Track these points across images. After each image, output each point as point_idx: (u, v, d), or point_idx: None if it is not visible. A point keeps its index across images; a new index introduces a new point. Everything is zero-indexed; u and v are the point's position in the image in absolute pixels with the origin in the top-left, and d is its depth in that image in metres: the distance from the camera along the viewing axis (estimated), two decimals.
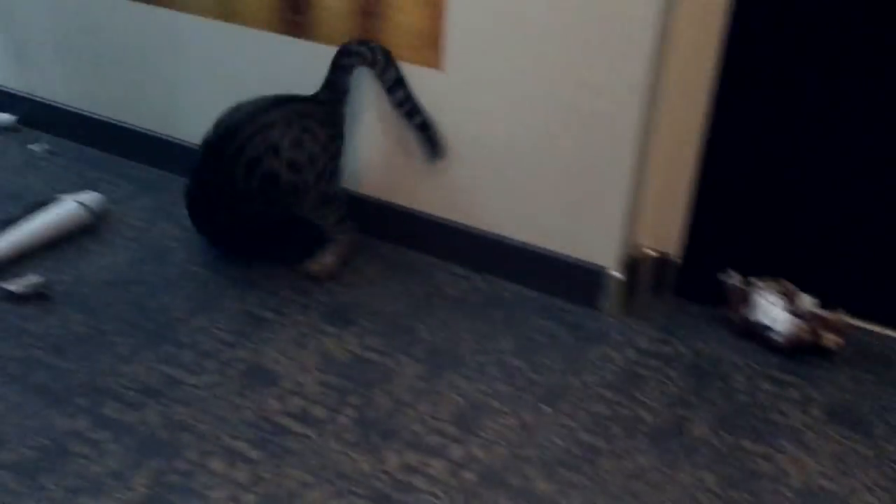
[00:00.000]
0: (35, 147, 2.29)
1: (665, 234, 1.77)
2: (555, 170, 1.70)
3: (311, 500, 1.26)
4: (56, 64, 2.30)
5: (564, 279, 1.77)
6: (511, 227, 1.81)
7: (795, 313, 1.61)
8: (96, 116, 2.27)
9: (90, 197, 1.95)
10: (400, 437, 1.39)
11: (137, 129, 2.22)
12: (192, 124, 2.13)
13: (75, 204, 1.90)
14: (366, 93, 1.83)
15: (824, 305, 1.64)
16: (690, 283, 1.78)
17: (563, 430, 1.43)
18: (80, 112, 2.30)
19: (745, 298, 1.66)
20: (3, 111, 2.40)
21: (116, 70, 2.19)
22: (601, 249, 1.72)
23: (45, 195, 1.98)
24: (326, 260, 1.79)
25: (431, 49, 1.73)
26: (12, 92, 2.40)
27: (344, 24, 1.81)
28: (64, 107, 2.33)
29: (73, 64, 2.26)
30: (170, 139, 2.18)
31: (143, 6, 2.05)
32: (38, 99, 2.37)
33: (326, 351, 1.59)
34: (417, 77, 1.76)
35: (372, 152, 1.91)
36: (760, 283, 1.67)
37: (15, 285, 1.66)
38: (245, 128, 1.67)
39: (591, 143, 1.64)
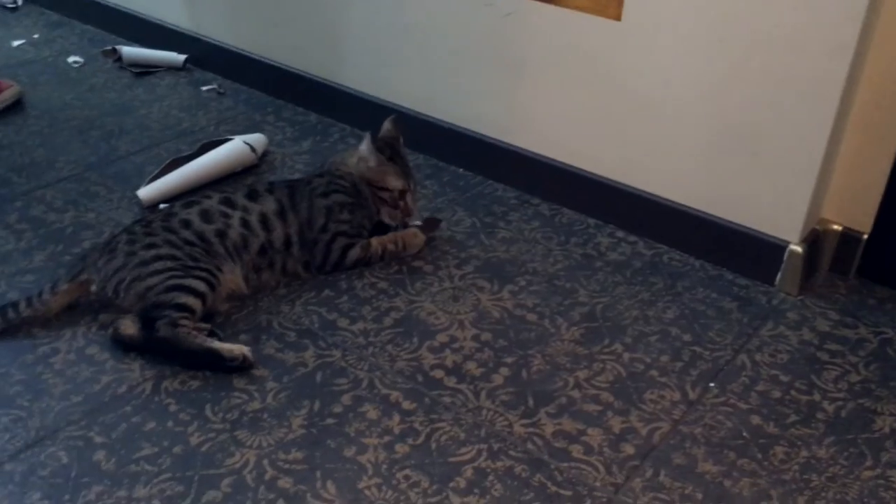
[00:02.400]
0: (204, 88, 2.35)
1: (854, 207, 1.62)
2: (737, 133, 1.58)
3: (463, 458, 1.24)
4: (227, 6, 2.34)
5: (736, 249, 1.66)
6: (681, 191, 1.70)
7: None
8: (264, 60, 2.30)
9: (255, 137, 1.98)
10: (556, 402, 1.34)
11: (303, 73, 2.23)
12: (355, 72, 2.13)
13: (242, 143, 1.93)
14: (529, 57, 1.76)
15: None
16: (879, 263, 1.63)
17: (731, 411, 1.34)
18: (248, 55, 2.34)
19: None
20: (175, 51, 2.47)
21: (285, 15, 2.20)
22: (780, 219, 1.59)
23: (214, 134, 2.03)
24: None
25: None
26: (184, 32, 2.47)
27: None
28: (233, 49, 2.37)
29: (243, 7, 2.29)
30: (333, 85, 2.18)
31: None
32: (207, 40, 2.42)
33: (482, 307, 1.55)
34: (592, 28, 1.67)
35: (530, 103, 1.84)
36: None
37: None
38: None
39: (783, 106, 1.50)
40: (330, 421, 1.29)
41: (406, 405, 1.32)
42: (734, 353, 1.46)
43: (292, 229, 1.57)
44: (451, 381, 1.37)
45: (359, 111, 2.14)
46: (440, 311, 1.53)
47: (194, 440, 1.24)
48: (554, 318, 1.53)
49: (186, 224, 1.50)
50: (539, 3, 1.73)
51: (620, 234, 1.78)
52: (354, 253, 1.60)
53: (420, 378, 1.38)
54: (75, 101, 2.26)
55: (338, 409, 1.31)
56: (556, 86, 1.79)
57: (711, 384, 1.39)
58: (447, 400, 1.34)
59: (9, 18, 2.80)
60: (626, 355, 1.45)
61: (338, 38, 2.12)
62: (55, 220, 1.74)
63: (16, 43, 2.60)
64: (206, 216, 1.52)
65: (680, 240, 1.73)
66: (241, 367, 1.34)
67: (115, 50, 2.48)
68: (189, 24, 2.46)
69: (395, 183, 1.65)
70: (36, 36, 2.67)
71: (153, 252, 1.44)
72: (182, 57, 2.46)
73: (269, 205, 1.57)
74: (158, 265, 1.41)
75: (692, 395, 1.36)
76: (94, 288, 1.44)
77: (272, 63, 2.29)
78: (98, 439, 1.24)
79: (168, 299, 1.36)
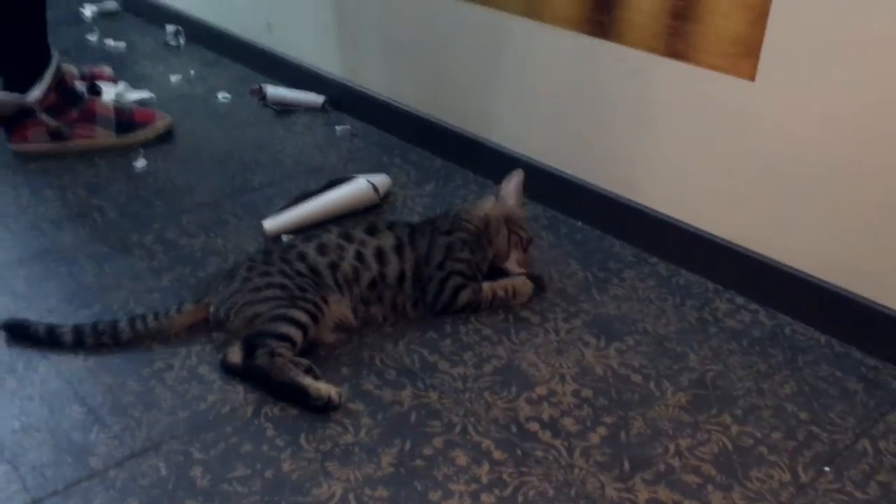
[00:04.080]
0: (338, 128, 2.44)
1: None
2: (870, 201, 1.49)
3: None
4: (370, 51, 2.43)
5: (867, 326, 1.55)
6: (810, 261, 1.61)
7: None
8: (396, 104, 2.37)
9: (380, 178, 2.04)
10: (654, 468, 1.28)
11: (433, 120, 2.28)
12: (482, 120, 2.16)
13: (366, 183, 1.98)
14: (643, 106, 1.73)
15: None
16: None
17: (846, 500, 1.24)
18: (381, 99, 2.41)
19: None
20: (315, 91, 2.58)
21: (423, 63, 2.27)
22: None
23: (341, 173, 2.10)
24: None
25: (746, 57, 1.59)
26: (325, 75, 2.58)
27: (653, 25, 1.72)
28: (368, 93, 2.46)
29: (386, 53, 2.38)
30: (459, 132, 2.21)
31: (457, 2, 2.09)
32: (347, 83, 2.52)
33: (586, 363, 1.51)
34: (724, 87, 1.63)
35: (656, 161, 1.81)
36: None
37: None
38: None
39: None
40: (419, 462, 1.28)
41: (497, 455, 1.30)
42: (855, 438, 1.35)
43: (407, 265, 1.59)
44: (545, 436, 1.34)
45: (482, 158, 2.16)
46: (542, 363, 1.51)
47: (286, 466, 1.26)
48: (660, 381, 1.47)
49: (302, 256, 1.55)
50: (669, 60, 1.71)
51: (741, 300, 1.71)
52: (466, 295, 1.61)
53: (514, 429, 1.35)
54: (219, 135, 2.40)
55: (428, 450, 1.31)
56: (684, 145, 1.75)
57: (826, 468, 1.29)
58: (539, 454, 1.31)
59: (171, 56, 3.02)
60: (735, 428, 1.37)
61: (467, 88, 2.16)
62: (186, 244, 1.83)
63: (174, 78, 2.79)
64: (322, 249, 1.57)
65: (805, 312, 1.64)
66: (325, 407, 1.35)
67: (260, 89, 2.62)
68: (330, 67, 2.57)
69: (527, 227, 1.67)
70: (192, 72, 2.86)
71: (266, 280, 1.49)
72: (321, 98, 2.57)
73: (387, 240, 1.60)
74: (269, 293, 1.46)
75: (804, 478, 1.27)
76: (212, 310, 1.51)
77: (404, 108, 2.35)
78: (197, 455, 1.28)
79: (271, 329, 1.41)
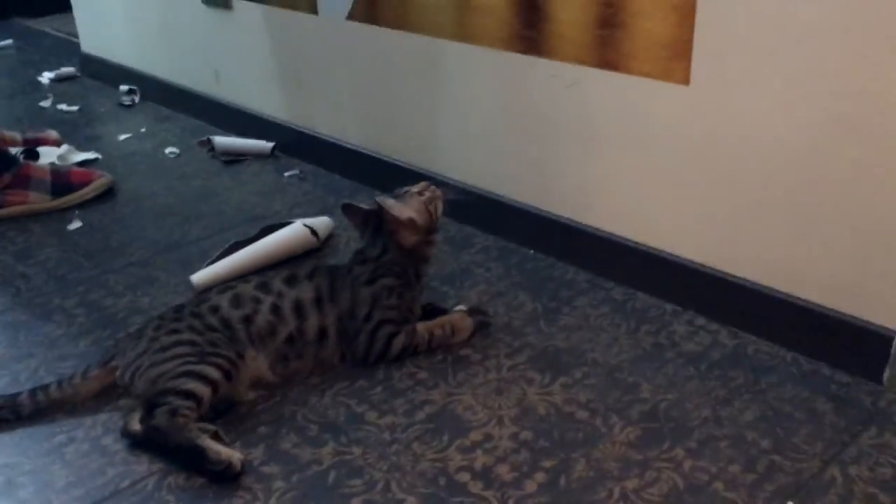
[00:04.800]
0: (286, 174, 2.35)
1: None
2: (826, 207, 1.37)
3: None
4: (314, 93, 2.35)
5: (836, 341, 1.42)
6: (771, 273, 1.49)
7: None
8: (344, 144, 2.28)
9: (319, 221, 1.93)
10: None
11: (379, 156, 2.19)
12: (427, 153, 2.06)
13: (302, 227, 1.88)
14: (605, 127, 1.62)
15: None
16: None
17: None
18: (330, 140, 2.32)
19: None
20: (263, 138, 2.50)
21: (365, 98, 2.18)
22: (888, 307, 1.35)
23: (285, 217, 2.00)
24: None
25: (677, 60, 1.48)
26: (273, 120, 2.50)
27: (582, 36, 1.61)
28: (316, 135, 2.37)
29: (329, 93, 2.30)
30: (405, 166, 2.11)
31: (391, 33, 2.01)
32: (294, 127, 2.44)
33: (528, 402, 1.38)
34: (658, 93, 1.52)
35: (603, 178, 1.69)
36: None
37: None
38: None
39: (879, 176, 1.29)
40: None
41: None
42: (823, 465, 1.21)
43: (329, 320, 1.47)
44: (476, 486, 1.21)
45: None
46: (479, 406, 1.38)
47: None
48: (608, 416, 1.34)
49: (215, 309, 1.44)
50: (601, 72, 1.60)
51: (700, 321, 1.58)
52: (400, 341, 1.48)
53: (442, 481, 1.22)
54: (162, 190, 2.31)
55: None
56: (628, 159, 1.64)
57: (790, 502, 1.15)
58: None
59: (124, 115, 2.95)
60: (688, 463, 1.23)
61: (408, 119, 2.07)
62: (110, 305, 1.73)
63: (122, 137, 2.72)
64: (236, 301, 1.46)
65: (769, 329, 1.50)
66: (224, 473, 1.23)
67: (208, 140, 2.54)
68: (278, 113, 2.49)
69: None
70: (143, 129, 2.78)
71: (174, 338, 1.38)
72: (270, 144, 2.49)
73: (305, 292, 1.48)
74: (176, 350, 1.35)
75: None
76: (118, 374, 1.39)
77: (350, 147, 2.26)
78: None
79: (175, 385, 1.29)
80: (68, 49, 3.59)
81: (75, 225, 2.10)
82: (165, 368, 1.33)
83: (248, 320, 1.43)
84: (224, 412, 1.36)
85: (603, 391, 1.40)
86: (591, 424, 1.33)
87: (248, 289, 1.49)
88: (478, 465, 1.25)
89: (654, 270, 1.66)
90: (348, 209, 1.56)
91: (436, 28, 1.90)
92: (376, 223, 1.54)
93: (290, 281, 1.50)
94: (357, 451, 1.29)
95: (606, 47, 1.59)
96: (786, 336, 1.48)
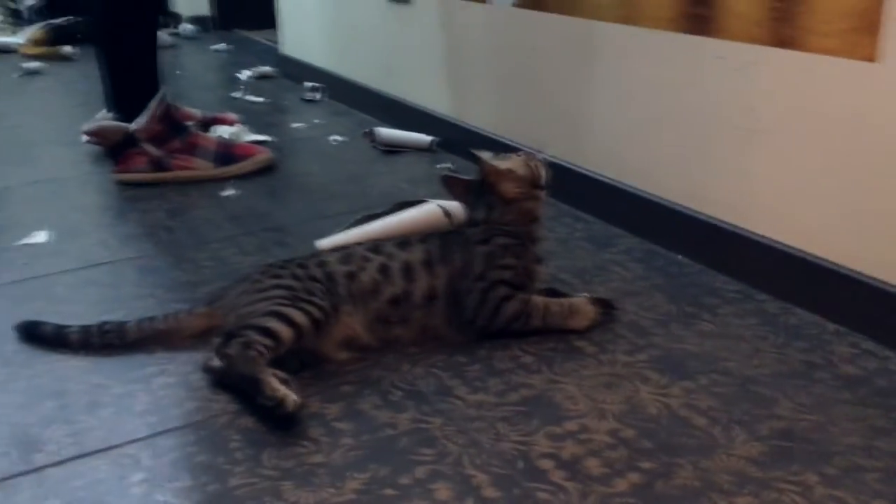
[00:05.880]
0: (439, 166, 2.30)
1: None
2: None
3: None
4: (476, 88, 2.30)
5: None
6: None
7: None
8: (503, 141, 2.20)
9: (455, 204, 1.84)
10: None
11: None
12: (576, 147, 1.93)
13: (436, 207, 1.80)
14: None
15: None
16: None
17: None
18: (489, 136, 2.25)
19: None
20: (425, 133, 2.47)
21: (526, 91, 2.10)
22: None
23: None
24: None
25: (863, 34, 1.28)
26: (434, 114, 2.47)
27: (755, 11, 1.44)
28: (476, 130, 2.31)
29: (491, 88, 2.23)
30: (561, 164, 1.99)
31: (554, 18, 1.92)
32: (452, 121, 2.39)
33: (638, 400, 1.21)
34: (838, 72, 1.32)
35: (765, 177, 1.49)
36: None
37: None
38: None
39: None
40: (389, 491, 1.04)
41: (488, 492, 1.03)
42: None
43: (439, 281, 1.38)
44: (557, 475, 1.06)
45: (571, 186, 1.92)
46: (581, 397, 1.22)
47: (234, 482, 1.07)
48: (730, 426, 1.14)
49: (322, 263, 1.39)
50: (775, 50, 1.42)
51: (869, 345, 1.33)
52: (512, 306, 1.36)
53: (521, 464, 1.08)
54: (317, 170, 2.33)
55: (406, 480, 1.06)
56: (798, 152, 1.44)
57: None
58: (542, 495, 1.02)
59: (304, 109, 3.05)
60: (820, 490, 1.01)
61: (557, 111, 1.95)
62: (237, 262, 1.73)
63: (296, 125, 2.80)
64: (346, 259, 1.40)
65: None
66: (274, 410, 1.15)
67: (371, 131, 2.55)
68: (440, 108, 2.46)
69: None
70: (316, 121, 2.85)
71: (274, 281, 1.34)
72: (429, 138, 2.45)
73: (416, 254, 1.40)
74: (272, 293, 1.30)
75: None
76: (220, 313, 1.37)
77: (507, 143, 2.17)
78: (146, 461, 1.12)
79: (257, 322, 1.24)
80: (272, 54, 3.79)
81: (229, 192, 2.15)
82: (256, 308, 1.28)
83: (351, 276, 1.36)
84: (309, 365, 1.30)
85: (730, 401, 1.20)
86: (708, 433, 1.13)
87: (359, 249, 1.43)
88: (565, 454, 1.10)
89: (820, 285, 1.43)
90: (448, 180, 1.50)
91: (599, 10, 1.78)
92: (478, 188, 1.46)
93: (403, 244, 1.43)
94: (437, 421, 1.18)
95: (783, 22, 1.41)
96: None
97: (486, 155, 1.46)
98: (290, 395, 1.16)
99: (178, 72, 3.78)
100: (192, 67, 4.02)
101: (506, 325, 1.36)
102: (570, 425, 1.16)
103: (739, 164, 1.55)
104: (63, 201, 2.13)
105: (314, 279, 1.35)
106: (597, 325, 1.40)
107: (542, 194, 1.48)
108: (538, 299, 1.38)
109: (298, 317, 1.26)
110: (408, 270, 1.38)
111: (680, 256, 1.68)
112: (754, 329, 1.40)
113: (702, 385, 1.24)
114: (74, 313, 1.50)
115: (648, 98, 1.72)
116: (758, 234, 1.53)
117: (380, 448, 1.12)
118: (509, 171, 1.44)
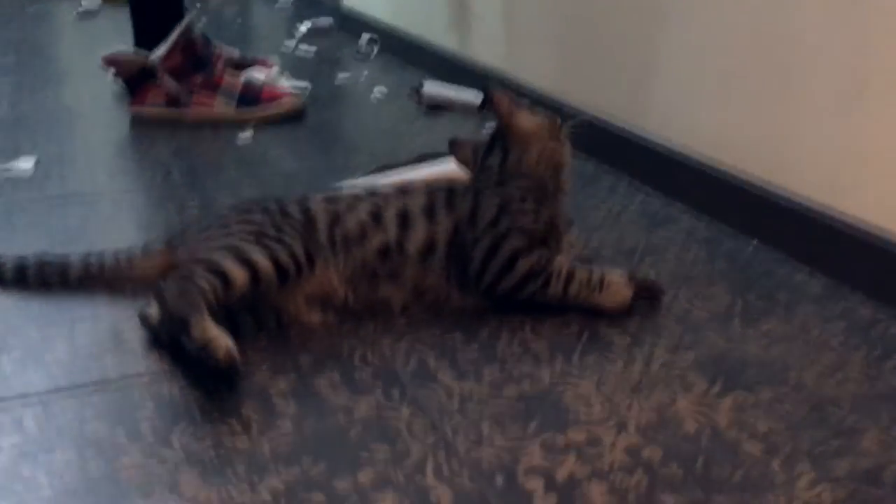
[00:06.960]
0: (487, 127, 2.02)
1: None
2: None
3: None
4: (535, 43, 2.02)
5: None
6: None
7: None
8: (563, 102, 1.91)
9: None
10: None
11: (595, 116, 1.79)
12: (640, 112, 1.64)
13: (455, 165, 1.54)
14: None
15: None
16: None
17: None
18: (540, 93, 1.97)
19: None
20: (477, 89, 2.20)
21: (590, 51, 1.81)
22: None
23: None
24: None
25: None
26: (490, 73, 2.20)
27: None
28: (528, 88, 2.03)
29: (552, 46, 1.95)
30: (622, 131, 1.69)
31: None
32: (506, 79, 2.12)
33: (674, 411, 0.92)
34: None
35: (864, 151, 1.17)
36: None
37: None
38: None
39: None
40: (316, 497, 0.78)
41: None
42: None
43: (440, 229, 1.11)
44: (547, 500, 0.78)
45: (635, 155, 1.63)
46: (599, 399, 0.94)
47: (125, 462, 0.83)
48: (795, 458, 0.84)
49: (304, 201, 1.13)
50: None
51: None
52: (528, 262, 1.08)
53: (500, 480, 0.80)
54: (349, 123, 2.10)
55: (343, 484, 0.80)
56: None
57: None
58: None
59: (355, 62, 2.81)
60: None
61: (620, 72, 1.65)
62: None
63: (341, 76, 2.56)
64: (332, 199, 1.14)
65: None
66: (201, 358, 0.90)
67: (420, 84, 2.29)
68: (504, 65, 2.18)
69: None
70: (365, 73, 2.61)
71: (243, 216, 1.10)
72: (480, 97, 2.18)
73: (416, 199, 1.14)
74: (236, 228, 1.06)
75: None
76: (178, 253, 1.13)
77: (567, 105, 1.88)
78: (28, 423, 0.88)
79: (209, 257, 1.01)
80: (335, 9, 3.57)
81: (245, 135, 1.92)
82: (214, 244, 1.04)
83: (336, 219, 1.10)
84: (268, 327, 1.05)
85: (798, 425, 0.90)
86: (763, 463, 0.83)
87: (351, 192, 1.17)
88: (561, 473, 0.82)
89: None
90: (454, 144, 1.27)
91: None
92: (492, 137, 1.22)
93: (403, 189, 1.17)
94: (405, 411, 0.91)
95: None
96: None
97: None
98: (223, 340, 0.91)
99: (238, 20, 3.61)
100: (254, 19, 3.84)
101: (518, 285, 1.08)
102: (577, 434, 0.87)
103: (837, 132, 1.23)
104: (66, 131, 1.94)
105: (288, 215, 1.10)
106: (632, 311, 1.11)
107: (565, 138, 1.22)
108: (562, 261, 1.10)
109: (258, 256, 1.01)
110: (404, 217, 1.12)
111: (754, 241, 1.36)
112: (841, 336, 1.08)
113: (762, 400, 0.94)
114: (29, 245, 1.29)
115: (727, 50, 1.40)
116: (860, 222, 1.21)
117: (323, 438, 0.87)
118: (521, 104, 1.21)
